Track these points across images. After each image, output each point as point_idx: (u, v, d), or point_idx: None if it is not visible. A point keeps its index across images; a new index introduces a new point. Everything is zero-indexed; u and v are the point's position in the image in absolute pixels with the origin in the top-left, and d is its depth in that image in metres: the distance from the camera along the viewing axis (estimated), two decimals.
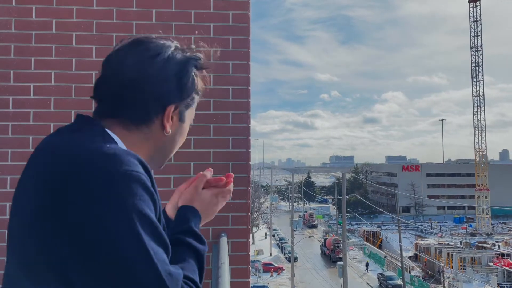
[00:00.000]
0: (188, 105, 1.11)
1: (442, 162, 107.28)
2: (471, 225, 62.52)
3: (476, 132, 64.63)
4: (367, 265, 42.14)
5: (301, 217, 67.75)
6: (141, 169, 0.91)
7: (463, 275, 37.20)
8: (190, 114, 1.14)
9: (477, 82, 64.55)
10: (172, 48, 1.10)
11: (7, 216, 2.71)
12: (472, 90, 64.99)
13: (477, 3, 63.81)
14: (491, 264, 39.84)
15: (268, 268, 41.40)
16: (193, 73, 1.10)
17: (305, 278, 39.52)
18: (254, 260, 39.47)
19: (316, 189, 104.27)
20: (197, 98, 1.14)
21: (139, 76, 1.03)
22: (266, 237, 55.90)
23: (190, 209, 1.19)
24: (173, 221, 1.17)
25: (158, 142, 1.09)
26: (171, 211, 1.28)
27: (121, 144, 1.01)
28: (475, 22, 64.12)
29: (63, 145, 0.97)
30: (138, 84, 1.03)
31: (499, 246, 47.10)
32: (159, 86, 1.04)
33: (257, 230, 56.05)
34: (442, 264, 39.49)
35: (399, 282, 34.09)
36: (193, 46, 1.17)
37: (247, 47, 2.74)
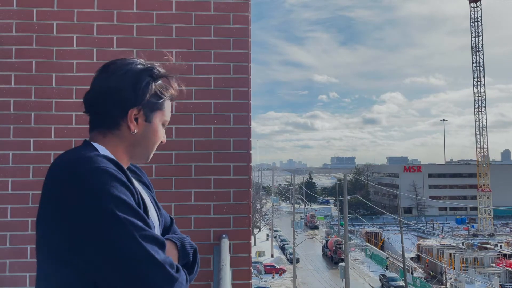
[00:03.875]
0: (152, 108, 1.31)
1: (443, 163, 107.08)
2: (473, 226, 62.35)
3: (478, 133, 64.52)
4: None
5: (303, 219, 67.67)
6: (110, 165, 1.13)
7: (465, 276, 37.08)
8: (159, 116, 1.34)
9: (478, 82, 64.47)
10: (132, 64, 1.31)
11: (9, 219, 2.72)
12: (474, 90, 64.91)
13: (478, 3, 63.76)
14: (494, 264, 39.70)
15: (270, 269, 41.33)
16: (149, 81, 1.29)
17: (307, 280, 39.44)
18: (255, 262, 39.42)
19: (318, 190, 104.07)
20: (167, 102, 1.35)
21: (102, 90, 1.27)
22: (267, 239, 55.82)
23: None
24: None
25: (130, 141, 1.30)
26: None
27: (103, 150, 1.24)
28: (475, 22, 64.07)
29: (57, 157, 1.22)
30: (102, 97, 1.27)
31: (501, 246, 46.96)
32: (118, 95, 1.26)
33: (259, 231, 55.98)
34: (444, 265, 39.37)
35: (401, 283, 33.98)
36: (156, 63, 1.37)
37: (248, 49, 2.74)
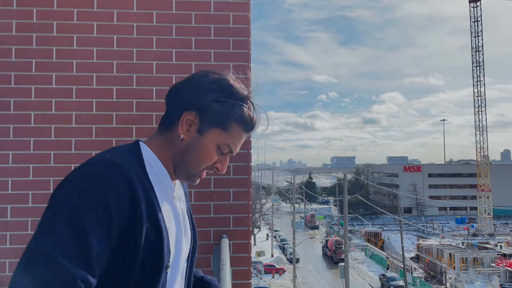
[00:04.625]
0: (211, 122, 1.17)
1: (443, 163, 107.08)
2: (473, 226, 62.39)
3: (478, 132, 64.54)
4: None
5: (303, 218, 67.70)
6: (117, 179, 1.03)
7: (465, 276, 37.10)
8: (217, 134, 1.18)
9: (478, 82, 64.48)
10: (213, 72, 1.22)
11: (9, 218, 2.72)
12: (473, 90, 64.93)
13: (478, 3, 63.77)
14: (493, 264, 39.73)
15: (270, 269, 41.35)
16: (214, 90, 1.17)
17: (307, 280, 39.45)
18: (255, 262, 39.42)
19: (318, 190, 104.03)
20: (234, 126, 1.19)
21: (174, 88, 1.23)
22: (267, 238, 55.82)
23: None
24: None
25: (177, 148, 1.19)
26: None
27: (146, 152, 1.17)
28: (475, 22, 64.08)
29: None
30: (171, 94, 1.22)
31: (501, 246, 46.98)
32: (183, 95, 1.20)
33: (259, 231, 55.98)
34: (444, 264, 39.38)
35: (401, 283, 33.99)
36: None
37: (248, 49, 2.74)
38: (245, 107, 1.20)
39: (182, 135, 1.17)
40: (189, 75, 1.25)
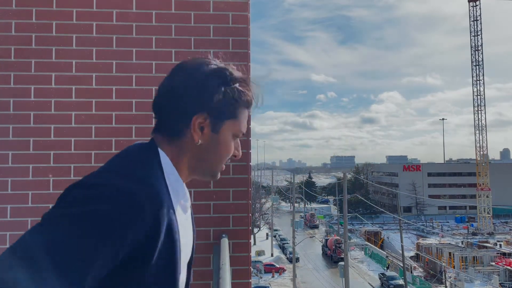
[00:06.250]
0: (221, 116, 1.12)
1: (443, 162, 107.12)
2: (472, 225, 62.46)
3: (477, 132, 64.57)
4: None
5: (302, 218, 67.79)
6: (148, 205, 0.94)
7: (464, 275, 37.14)
8: (230, 125, 1.14)
9: (478, 82, 64.50)
10: (203, 64, 1.13)
11: (9, 218, 2.72)
12: (473, 90, 64.95)
13: (477, 2, 63.78)
14: (493, 263, 39.76)
15: (270, 268, 41.37)
16: (219, 84, 1.11)
17: (306, 279, 39.47)
18: (255, 261, 39.45)
19: (317, 190, 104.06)
20: (241, 110, 1.15)
21: (166, 91, 1.12)
22: (267, 238, 55.85)
23: None
24: None
25: (194, 153, 1.13)
26: None
27: (165, 161, 1.09)
28: (475, 22, 64.08)
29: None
30: (166, 99, 1.12)
31: (500, 245, 47.02)
32: (181, 98, 1.10)
33: (258, 230, 56.00)
34: (443, 264, 39.41)
35: (401, 282, 34.03)
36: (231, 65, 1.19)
37: (247, 48, 2.74)
38: (244, 87, 1.15)
39: (199, 141, 1.11)
40: (176, 67, 1.15)
